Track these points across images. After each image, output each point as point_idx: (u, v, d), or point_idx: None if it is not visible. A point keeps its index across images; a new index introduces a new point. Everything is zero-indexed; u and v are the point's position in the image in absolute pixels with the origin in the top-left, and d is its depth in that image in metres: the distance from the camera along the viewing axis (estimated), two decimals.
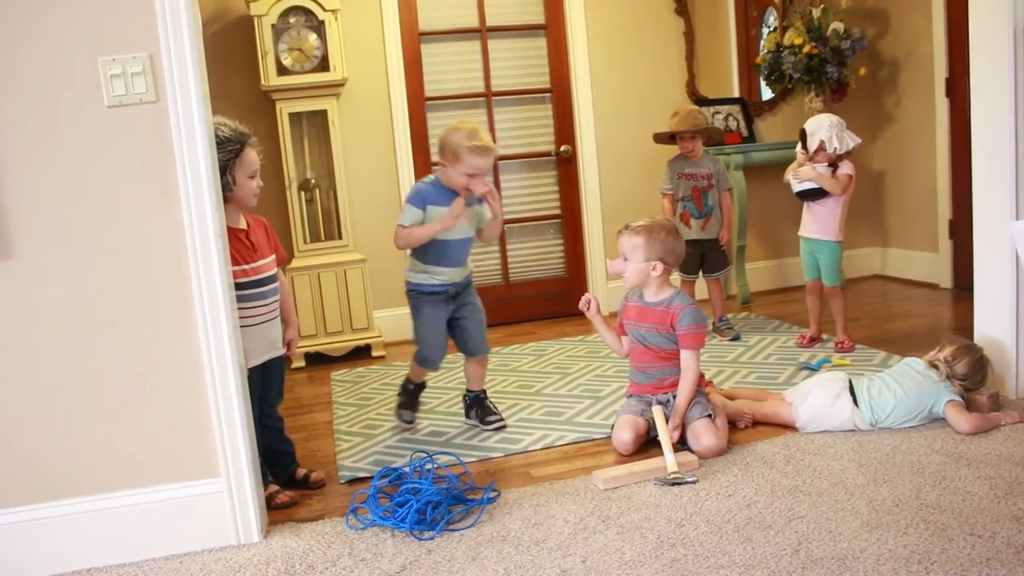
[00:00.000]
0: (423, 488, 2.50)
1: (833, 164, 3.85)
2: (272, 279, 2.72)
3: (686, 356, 2.90)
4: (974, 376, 2.94)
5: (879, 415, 2.88)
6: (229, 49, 4.58)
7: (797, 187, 3.92)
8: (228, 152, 2.57)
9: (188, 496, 2.40)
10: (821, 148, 3.83)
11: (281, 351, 2.78)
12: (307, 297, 4.49)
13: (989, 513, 2.23)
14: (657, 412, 2.79)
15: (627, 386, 3.11)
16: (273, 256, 2.75)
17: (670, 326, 2.92)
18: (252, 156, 2.65)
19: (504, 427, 3.21)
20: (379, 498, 2.54)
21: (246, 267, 2.63)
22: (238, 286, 2.57)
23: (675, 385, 2.93)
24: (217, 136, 2.52)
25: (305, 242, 4.56)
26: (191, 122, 2.30)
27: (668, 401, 2.90)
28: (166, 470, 2.40)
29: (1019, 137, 2.98)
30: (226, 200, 2.59)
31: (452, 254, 3.15)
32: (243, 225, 2.69)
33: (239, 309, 2.55)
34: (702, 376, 3.02)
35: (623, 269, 2.98)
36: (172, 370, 2.37)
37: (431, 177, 3.16)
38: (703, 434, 2.79)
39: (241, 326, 2.52)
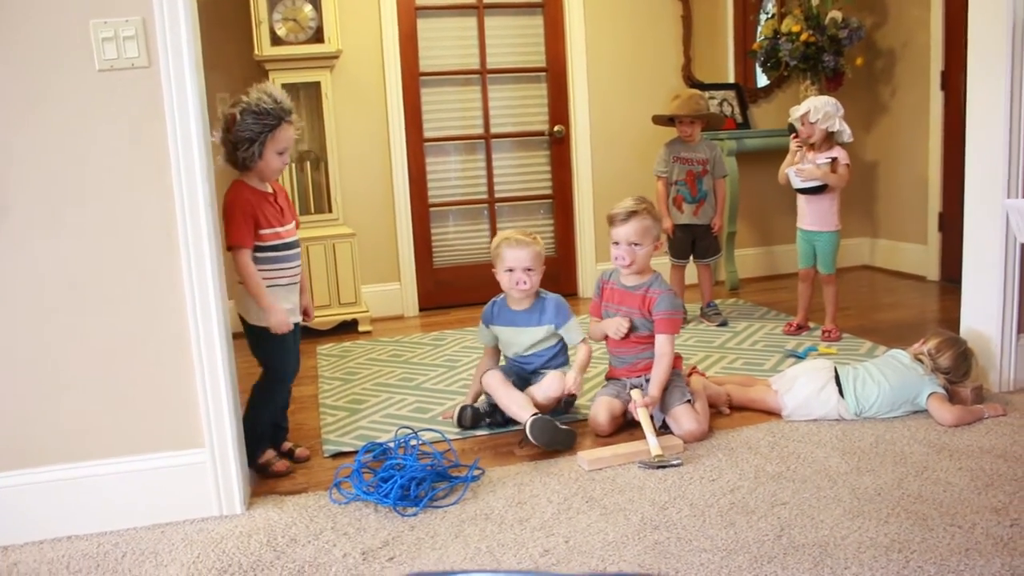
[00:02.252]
0: (407, 464, 2.50)
1: (832, 158, 3.83)
2: (296, 244, 2.73)
3: (661, 340, 2.91)
4: (958, 369, 2.96)
5: (863, 405, 2.89)
6: (223, 17, 4.52)
7: (800, 184, 3.90)
8: (264, 125, 2.56)
9: (171, 466, 2.40)
10: (816, 128, 3.81)
11: (299, 318, 2.78)
12: None
13: (969, 504, 2.25)
14: (636, 396, 2.80)
15: (606, 371, 3.13)
16: (294, 223, 2.76)
17: (648, 310, 2.92)
18: (287, 133, 2.62)
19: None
20: (363, 473, 2.54)
21: (279, 229, 2.65)
22: (272, 248, 2.61)
23: (648, 368, 2.93)
24: (258, 107, 2.54)
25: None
26: (183, 88, 2.28)
27: (642, 385, 2.91)
28: (150, 439, 2.39)
29: (1013, 132, 2.98)
30: (247, 168, 2.61)
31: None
32: (269, 190, 2.69)
33: (275, 270, 2.61)
34: (679, 358, 3.04)
35: (634, 256, 2.92)
36: (158, 339, 2.36)
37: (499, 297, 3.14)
38: (683, 419, 2.80)
39: (276, 286, 2.61)
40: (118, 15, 2.23)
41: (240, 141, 2.57)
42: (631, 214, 2.93)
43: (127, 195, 2.29)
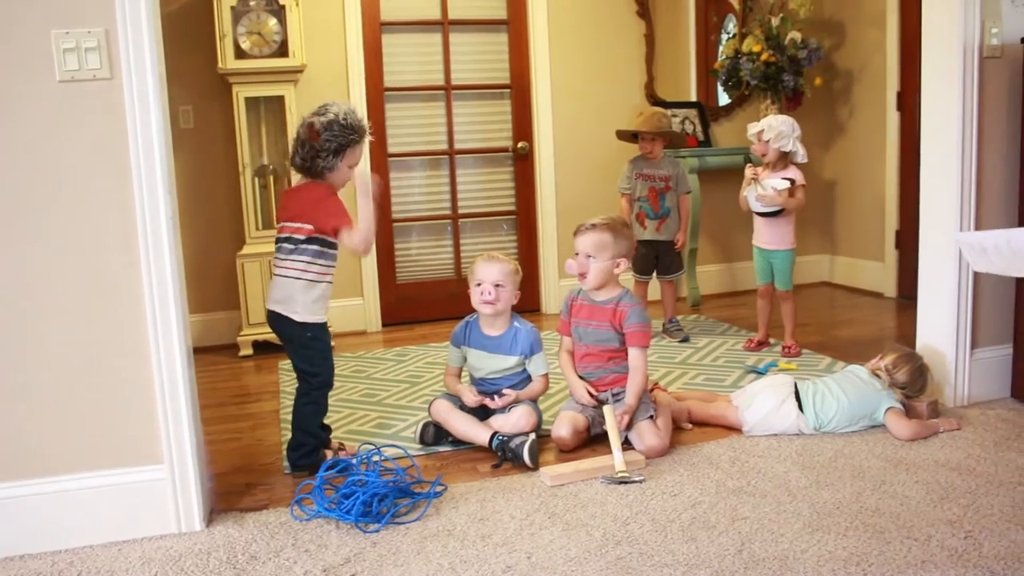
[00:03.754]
0: (370, 480, 2.48)
1: (789, 179, 3.88)
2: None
3: (635, 354, 2.92)
4: (914, 384, 3.01)
5: (823, 420, 2.93)
6: (186, 29, 4.49)
7: (760, 208, 3.95)
8: (347, 139, 2.72)
9: (129, 482, 2.36)
10: (770, 147, 3.86)
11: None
12: (257, 284, 4.43)
13: (925, 517, 2.29)
14: (607, 411, 2.81)
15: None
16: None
17: (619, 324, 2.93)
18: (362, 150, 2.80)
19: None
20: (325, 489, 2.52)
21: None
22: (331, 245, 2.77)
23: (616, 383, 2.95)
24: (347, 120, 2.71)
25: (257, 228, 4.50)
26: (146, 101, 2.26)
27: (608, 399, 2.91)
28: (107, 455, 2.35)
29: (965, 152, 3.05)
30: (319, 176, 2.76)
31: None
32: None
33: (331, 267, 2.80)
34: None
35: (586, 268, 2.96)
36: (118, 354, 2.33)
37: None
38: (647, 434, 2.82)
39: (327, 283, 2.78)
40: (80, 26, 2.21)
41: (323, 151, 2.70)
42: (591, 227, 2.97)
43: (87, 207, 2.27)
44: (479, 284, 2.99)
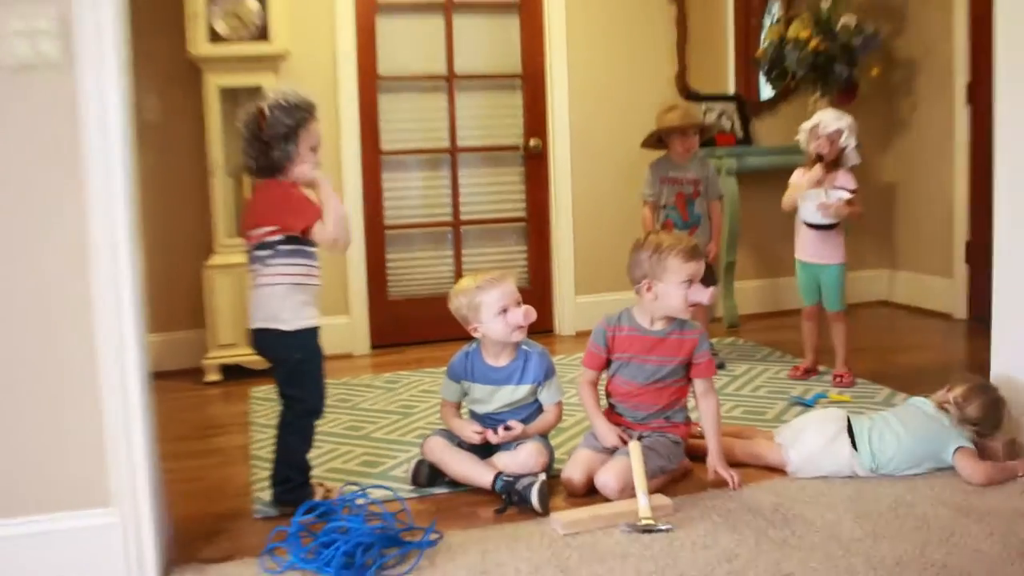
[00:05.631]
0: (353, 527, 2.46)
1: (850, 189, 3.88)
2: None
3: (706, 387, 2.95)
4: (988, 420, 2.96)
5: (880, 460, 2.89)
6: (151, 7, 4.48)
7: (816, 219, 3.93)
8: (296, 119, 2.70)
9: (74, 528, 2.33)
10: (829, 146, 3.86)
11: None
12: (227, 299, 4.43)
13: (1001, 575, 2.25)
14: (634, 449, 2.77)
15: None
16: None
17: (688, 355, 2.93)
18: (318, 128, 2.79)
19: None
20: (301, 537, 2.50)
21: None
22: (311, 244, 2.77)
23: (663, 428, 2.95)
24: (287, 101, 2.69)
25: (228, 236, 4.50)
26: (106, 94, 2.25)
27: (635, 437, 2.89)
28: (48, 497, 2.32)
29: None
30: (278, 172, 2.74)
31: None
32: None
33: (312, 267, 2.79)
34: (688, 424, 3.05)
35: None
36: (63, 381, 2.31)
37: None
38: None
39: (309, 285, 2.78)
40: (33, 7, 2.19)
41: (274, 139, 2.69)
42: (692, 250, 2.91)
43: (34, 216, 2.25)
44: (503, 310, 2.95)
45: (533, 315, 2.96)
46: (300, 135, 2.72)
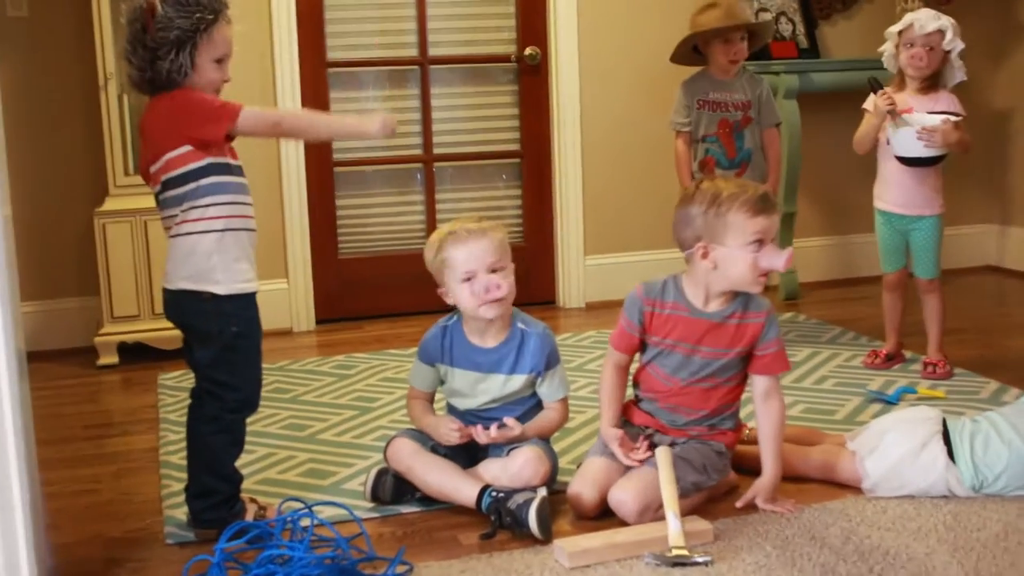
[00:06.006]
0: (295, 556, 2.47)
1: (955, 114, 3.85)
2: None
3: (769, 388, 2.91)
4: None
5: (985, 475, 2.91)
6: None
7: (913, 150, 3.90)
8: (195, 20, 2.65)
9: None
10: (928, 56, 3.84)
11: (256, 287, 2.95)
12: (125, 257, 4.43)
13: None
14: (663, 455, 2.77)
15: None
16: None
17: (749, 345, 2.90)
18: (226, 34, 2.74)
19: None
20: (227, 569, 2.51)
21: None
22: (233, 170, 2.78)
23: (703, 435, 2.94)
24: None
25: (126, 173, 4.49)
26: None
27: (675, 444, 2.90)
28: None
29: None
30: (172, 86, 2.70)
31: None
32: None
33: (238, 204, 2.77)
34: (739, 429, 3.06)
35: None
36: None
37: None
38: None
39: (239, 230, 2.77)
40: None
41: (162, 45, 2.63)
42: (768, 199, 2.85)
43: None
44: (468, 278, 2.94)
45: (496, 291, 2.90)
46: (200, 42, 2.68)
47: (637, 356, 3.03)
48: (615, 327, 3.00)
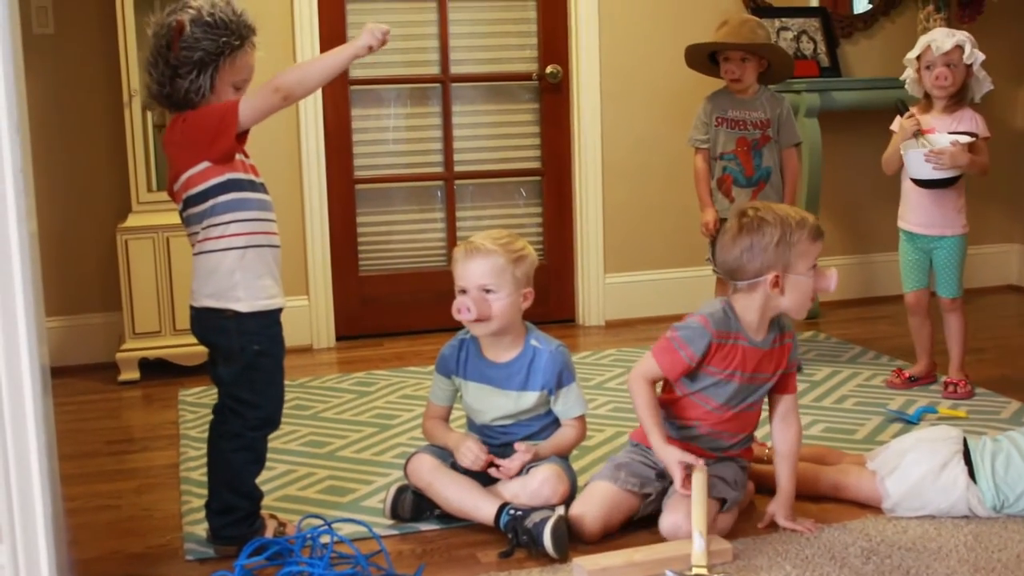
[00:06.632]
0: (315, 572, 2.48)
1: (971, 133, 3.84)
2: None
3: (789, 407, 2.96)
4: None
5: (1007, 495, 2.90)
6: None
7: (928, 174, 3.90)
8: (221, 44, 2.65)
9: None
10: (951, 74, 3.83)
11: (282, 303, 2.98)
12: (147, 273, 4.44)
13: None
14: (698, 478, 2.74)
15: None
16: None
17: (784, 367, 2.94)
18: (250, 60, 2.75)
19: None
20: None
21: (251, 163, 2.81)
22: (253, 186, 2.78)
23: (740, 453, 2.98)
24: (212, 16, 2.64)
25: (149, 190, 4.51)
26: None
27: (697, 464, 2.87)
28: None
29: None
30: (188, 109, 2.71)
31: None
32: None
33: (260, 221, 2.78)
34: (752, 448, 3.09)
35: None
36: None
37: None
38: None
39: (260, 246, 2.78)
40: None
41: (184, 64, 2.64)
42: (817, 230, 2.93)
43: None
44: (463, 291, 2.97)
45: (464, 312, 2.92)
46: (223, 66, 2.69)
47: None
48: (664, 352, 2.88)
